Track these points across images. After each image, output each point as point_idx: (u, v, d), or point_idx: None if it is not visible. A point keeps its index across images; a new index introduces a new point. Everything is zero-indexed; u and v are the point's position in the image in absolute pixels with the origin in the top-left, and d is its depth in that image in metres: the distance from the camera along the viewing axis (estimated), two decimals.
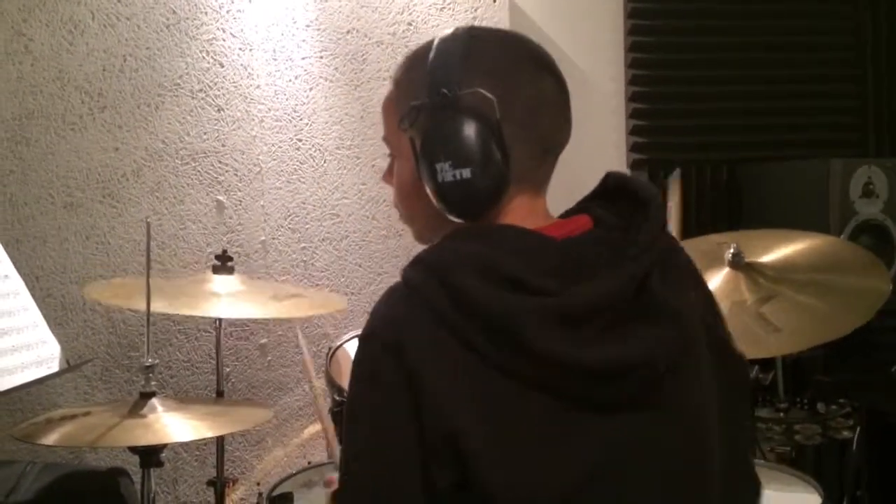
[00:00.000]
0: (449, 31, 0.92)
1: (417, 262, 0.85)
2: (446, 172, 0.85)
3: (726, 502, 0.89)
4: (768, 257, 1.92)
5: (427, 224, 0.95)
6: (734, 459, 0.92)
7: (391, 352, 0.79)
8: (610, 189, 0.94)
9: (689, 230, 2.65)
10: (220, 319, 2.01)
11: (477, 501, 0.76)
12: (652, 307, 0.82)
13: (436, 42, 0.90)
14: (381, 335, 0.81)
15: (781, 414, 1.96)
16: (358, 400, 0.83)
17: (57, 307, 2.16)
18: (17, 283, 1.65)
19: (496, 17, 2.44)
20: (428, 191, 0.88)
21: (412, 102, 0.89)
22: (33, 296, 1.69)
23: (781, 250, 1.94)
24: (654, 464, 0.83)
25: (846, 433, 1.94)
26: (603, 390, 0.80)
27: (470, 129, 0.85)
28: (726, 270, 1.88)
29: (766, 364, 1.94)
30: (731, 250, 1.87)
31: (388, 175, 1.00)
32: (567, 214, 0.95)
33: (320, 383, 2.31)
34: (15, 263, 1.69)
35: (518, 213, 0.90)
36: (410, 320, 0.80)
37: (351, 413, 0.83)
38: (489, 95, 0.85)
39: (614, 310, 0.81)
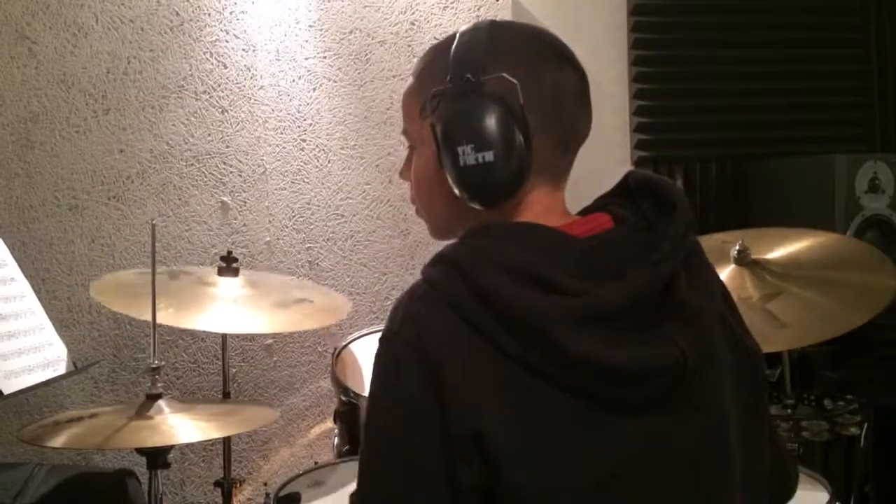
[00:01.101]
0: (470, 24, 0.92)
1: (439, 260, 0.84)
2: (468, 156, 0.85)
3: (748, 501, 0.89)
4: (773, 254, 1.92)
5: (445, 215, 0.94)
6: (754, 458, 0.91)
7: (413, 350, 0.78)
8: (631, 188, 0.93)
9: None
10: None
11: (502, 502, 0.76)
12: (678, 308, 0.82)
13: (458, 34, 0.91)
14: (402, 333, 0.80)
15: (789, 410, 1.95)
16: (380, 398, 0.82)
17: (63, 309, 2.16)
18: (23, 285, 1.66)
19: (499, 16, 2.44)
20: (449, 177, 0.87)
21: (434, 89, 0.89)
22: (39, 298, 1.69)
23: (786, 248, 1.93)
24: (678, 464, 0.82)
25: (853, 430, 1.93)
26: (629, 391, 0.79)
27: (493, 113, 0.85)
28: (732, 267, 1.88)
29: (773, 360, 1.94)
30: (737, 247, 1.87)
31: (406, 170, 0.99)
32: (585, 212, 0.94)
33: (325, 383, 2.31)
34: (21, 266, 1.69)
35: (537, 206, 0.90)
36: (433, 319, 0.80)
37: (372, 411, 0.83)
38: (513, 80, 0.85)
39: (641, 310, 0.80)
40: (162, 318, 1.64)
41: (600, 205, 0.94)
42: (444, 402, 0.76)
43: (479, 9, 2.45)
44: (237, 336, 2.25)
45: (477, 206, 0.88)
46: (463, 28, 0.92)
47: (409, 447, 0.78)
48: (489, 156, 0.84)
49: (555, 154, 0.91)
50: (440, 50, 0.93)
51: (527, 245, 0.82)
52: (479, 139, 0.85)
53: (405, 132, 0.98)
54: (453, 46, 0.89)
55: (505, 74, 0.85)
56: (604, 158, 2.59)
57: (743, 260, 1.87)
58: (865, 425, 1.98)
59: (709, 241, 1.99)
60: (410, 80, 0.97)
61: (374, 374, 0.83)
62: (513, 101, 0.85)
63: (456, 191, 0.88)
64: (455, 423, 0.76)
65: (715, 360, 0.87)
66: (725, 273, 1.87)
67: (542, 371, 0.77)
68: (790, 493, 1.04)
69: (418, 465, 0.78)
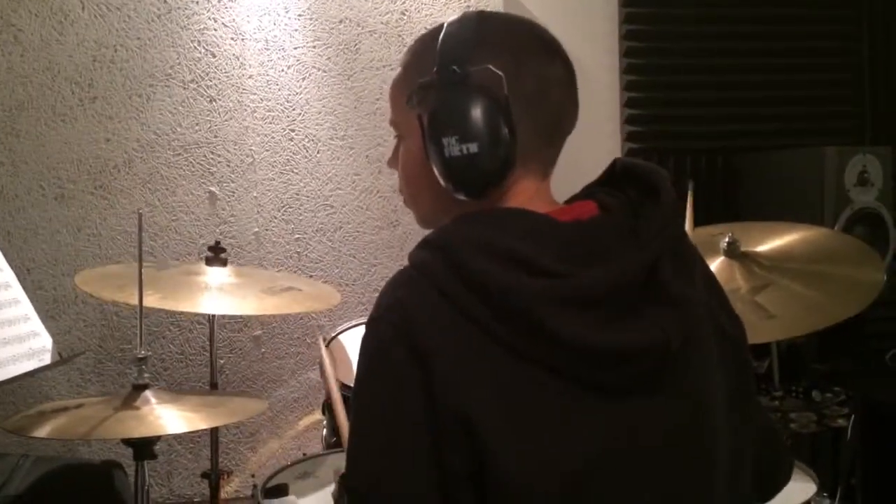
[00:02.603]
0: (457, 15, 0.93)
1: (425, 245, 0.84)
2: (453, 147, 0.86)
3: (733, 485, 0.89)
4: (763, 247, 1.93)
5: (432, 205, 0.95)
6: (740, 442, 0.92)
7: (400, 334, 0.79)
8: (617, 175, 0.94)
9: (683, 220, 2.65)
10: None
11: (490, 484, 0.76)
12: (661, 292, 0.82)
13: (445, 24, 0.91)
14: (388, 317, 0.81)
15: (777, 402, 1.96)
16: (366, 383, 0.82)
17: (49, 300, 2.15)
18: (8, 275, 1.64)
19: (490, 5, 2.43)
20: (434, 167, 0.88)
21: (421, 80, 0.90)
22: (24, 288, 1.68)
23: (775, 241, 1.94)
24: (663, 446, 0.83)
25: (841, 421, 1.94)
26: (614, 373, 0.80)
27: (478, 105, 0.85)
28: (721, 259, 1.88)
29: (762, 353, 1.94)
30: (727, 239, 1.87)
31: (393, 160, 0.99)
32: (572, 200, 0.95)
33: (314, 375, 2.30)
34: (6, 256, 1.68)
35: (523, 195, 0.90)
36: (419, 302, 0.80)
37: (358, 395, 0.83)
38: (498, 72, 0.85)
39: (625, 294, 0.81)
40: (149, 303, 1.62)
41: (587, 193, 0.94)
42: (431, 386, 0.76)
43: (468, 0, 2.44)
44: (225, 327, 2.24)
45: (462, 197, 0.88)
46: (450, 18, 0.92)
47: (394, 431, 0.78)
48: (474, 147, 0.85)
49: (540, 145, 0.91)
50: (427, 40, 0.93)
51: (512, 230, 0.82)
52: (464, 131, 0.85)
53: (393, 122, 0.99)
54: (440, 37, 0.90)
55: (490, 66, 0.86)
56: (594, 150, 2.56)
57: (732, 252, 1.87)
58: (852, 417, 1.99)
59: (699, 234, 1.99)
60: (398, 70, 0.97)
61: (360, 357, 0.83)
62: (498, 93, 0.85)
63: (441, 181, 0.88)
64: (442, 408, 0.76)
65: (700, 344, 0.87)
66: (715, 265, 1.88)
67: (528, 354, 0.78)
68: (779, 484, 1.04)
69: (404, 449, 0.78)
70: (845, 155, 2.36)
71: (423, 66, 0.91)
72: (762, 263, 1.87)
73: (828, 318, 1.75)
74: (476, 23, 0.91)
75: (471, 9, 2.42)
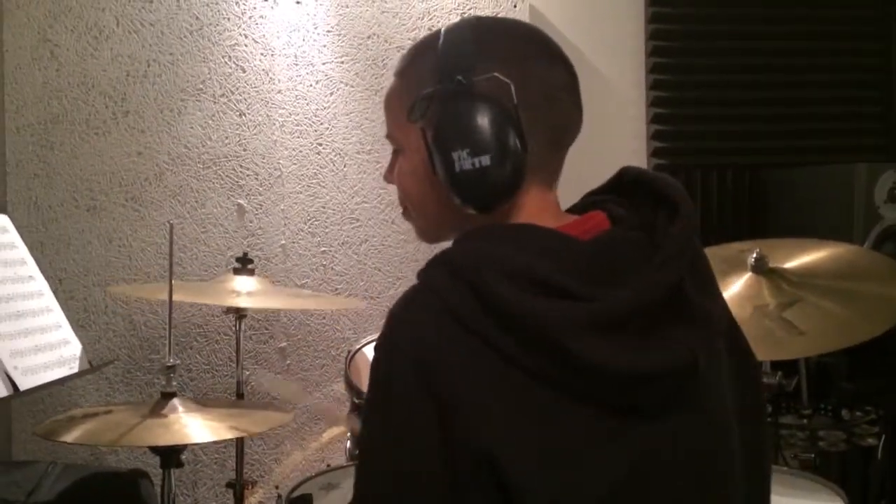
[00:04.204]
0: (455, 21, 0.90)
1: (439, 264, 0.80)
2: (464, 161, 0.82)
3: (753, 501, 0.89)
4: (791, 263, 1.91)
5: (437, 219, 0.92)
6: (757, 459, 0.91)
7: (414, 366, 0.74)
8: (627, 184, 0.91)
9: (710, 236, 2.63)
10: (240, 321, 2.02)
11: None
12: (685, 310, 0.80)
13: (443, 32, 0.88)
14: (402, 346, 0.76)
15: (805, 420, 1.93)
16: (377, 411, 0.78)
17: (79, 310, 2.18)
18: (41, 283, 1.67)
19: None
20: (443, 182, 0.84)
21: (422, 92, 0.86)
22: (56, 298, 1.70)
23: (804, 258, 1.92)
24: (690, 466, 0.81)
25: (871, 440, 1.91)
26: (641, 396, 0.77)
27: (488, 116, 0.82)
28: (748, 275, 1.86)
29: (790, 370, 1.92)
30: (754, 255, 1.86)
31: (390, 173, 0.96)
32: (577, 209, 0.92)
33: (338, 387, 2.31)
34: (39, 266, 1.70)
35: (532, 207, 0.87)
36: (435, 329, 0.76)
37: (367, 427, 0.79)
38: (506, 80, 0.82)
39: (650, 314, 0.78)
40: (178, 298, 1.63)
41: (592, 202, 0.91)
42: (446, 419, 0.73)
43: (495, 14, 2.46)
44: (251, 339, 2.26)
45: (472, 211, 0.85)
46: (447, 26, 0.89)
47: (402, 466, 0.75)
48: (486, 160, 0.81)
49: (548, 153, 0.88)
50: (425, 48, 0.89)
51: (528, 247, 0.79)
52: (475, 143, 0.82)
53: (389, 136, 0.95)
54: (440, 45, 0.86)
55: (497, 74, 0.82)
56: (620, 165, 2.58)
57: (760, 268, 1.86)
58: (883, 436, 1.96)
59: (726, 250, 1.98)
60: (393, 80, 0.93)
61: (369, 385, 0.79)
62: (506, 102, 0.82)
63: (451, 196, 0.85)
64: (461, 442, 0.72)
65: (717, 360, 0.86)
66: (742, 281, 1.86)
67: (552, 380, 0.74)
68: None
69: (417, 487, 0.74)
70: (875, 171, 2.33)
71: (423, 76, 0.87)
72: (790, 280, 1.86)
73: (857, 336, 1.73)
74: (476, 29, 0.87)
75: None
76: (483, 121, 0.82)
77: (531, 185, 0.86)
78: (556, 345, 0.73)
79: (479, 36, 0.86)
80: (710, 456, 0.83)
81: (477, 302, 0.75)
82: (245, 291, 1.88)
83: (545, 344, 0.74)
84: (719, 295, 0.89)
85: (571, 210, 0.92)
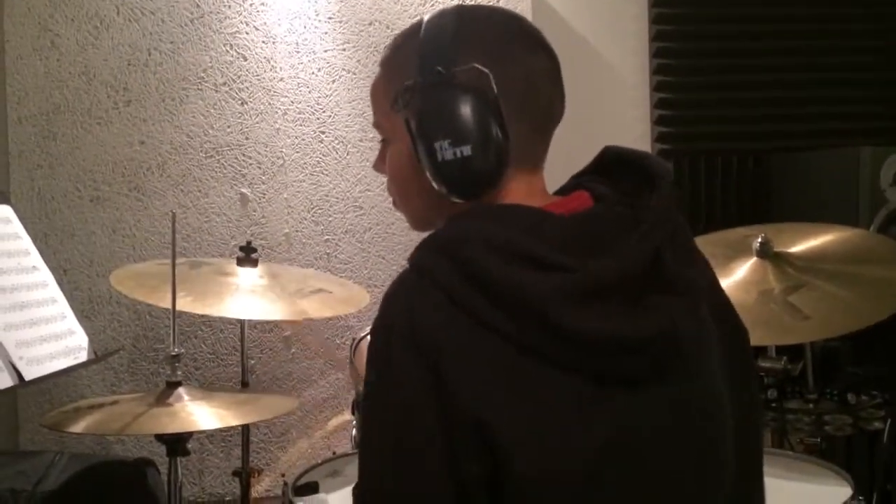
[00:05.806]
0: (436, 10, 0.91)
1: (427, 245, 0.83)
2: (446, 151, 0.84)
3: (741, 471, 0.89)
4: (796, 248, 1.90)
5: (425, 208, 0.93)
6: (748, 429, 0.91)
7: (409, 342, 0.76)
8: (608, 164, 0.93)
9: (715, 221, 2.62)
10: None
11: (507, 485, 0.75)
12: (668, 278, 0.81)
13: (424, 21, 0.89)
14: (396, 325, 0.78)
15: (811, 405, 1.93)
16: (374, 394, 0.81)
17: (84, 300, 2.18)
18: (45, 274, 1.67)
19: (519, 9, 2.43)
20: (427, 171, 0.86)
21: (405, 82, 0.88)
22: (61, 288, 1.70)
23: (809, 242, 1.92)
24: (677, 433, 0.82)
25: (877, 424, 1.91)
26: (625, 363, 0.79)
27: (468, 106, 0.84)
28: (753, 260, 1.86)
29: (796, 355, 1.92)
30: (759, 239, 1.85)
31: (380, 162, 0.98)
32: (562, 191, 0.94)
33: (343, 375, 2.32)
34: (43, 256, 1.70)
35: (518, 192, 0.89)
36: (425, 306, 0.78)
37: (368, 407, 0.81)
38: (485, 70, 0.84)
39: (631, 284, 0.80)
40: (181, 306, 1.65)
41: (577, 183, 0.93)
42: (443, 393, 0.75)
43: (497, 1, 2.44)
44: (255, 327, 2.26)
45: (456, 199, 0.87)
46: (429, 15, 0.90)
47: (405, 444, 0.77)
48: (467, 150, 0.83)
49: (531, 139, 0.90)
50: (407, 38, 0.91)
51: (515, 225, 0.81)
52: (456, 133, 0.84)
53: (377, 125, 0.96)
54: (421, 35, 0.88)
55: (477, 65, 0.84)
56: None
57: (765, 252, 1.85)
58: (889, 421, 1.96)
59: (731, 235, 1.98)
60: (378, 70, 0.94)
61: (367, 367, 0.81)
62: (487, 92, 0.84)
63: (434, 185, 0.86)
64: (456, 414, 0.74)
65: (704, 329, 0.87)
66: (747, 266, 1.86)
67: (540, 350, 0.76)
68: None
69: (416, 462, 0.76)
70: (880, 155, 2.32)
71: (405, 66, 0.88)
72: (796, 264, 1.85)
73: (863, 320, 1.73)
74: (457, 19, 0.88)
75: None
76: (463, 111, 0.84)
77: (516, 172, 0.88)
78: (543, 315, 0.76)
79: (459, 25, 0.88)
80: (699, 422, 0.85)
81: (465, 277, 0.77)
82: (247, 287, 1.87)
83: (532, 314, 0.76)
84: (704, 264, 0.91)
85: (557, 193, 0.94)
